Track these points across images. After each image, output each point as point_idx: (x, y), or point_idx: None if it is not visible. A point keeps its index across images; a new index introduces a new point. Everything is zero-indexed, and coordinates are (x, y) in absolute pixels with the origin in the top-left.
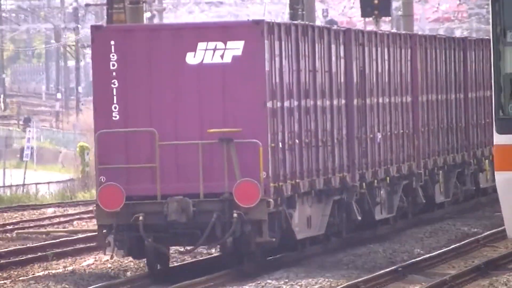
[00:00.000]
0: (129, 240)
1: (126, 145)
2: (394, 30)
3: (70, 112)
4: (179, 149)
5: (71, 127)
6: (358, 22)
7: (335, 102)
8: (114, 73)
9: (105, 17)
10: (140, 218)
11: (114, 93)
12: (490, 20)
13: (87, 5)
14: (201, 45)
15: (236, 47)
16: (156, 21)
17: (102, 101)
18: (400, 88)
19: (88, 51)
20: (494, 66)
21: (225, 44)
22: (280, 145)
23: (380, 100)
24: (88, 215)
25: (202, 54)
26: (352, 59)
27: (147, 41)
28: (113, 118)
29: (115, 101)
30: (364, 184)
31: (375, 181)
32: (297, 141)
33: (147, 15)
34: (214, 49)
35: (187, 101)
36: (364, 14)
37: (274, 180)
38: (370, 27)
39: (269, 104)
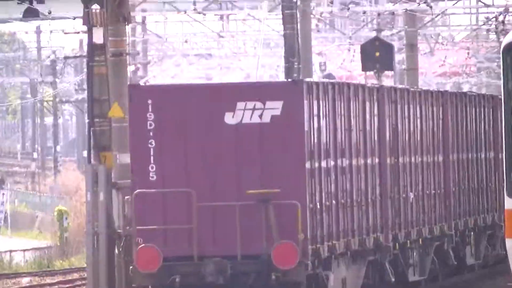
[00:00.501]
0: None
1: (163, 206)
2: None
3: (47, 173)
4: (216, 210)
5: (48, 190)
6: (359, 76)
7: (369, 161)
8: (151, 133)
9: (85, 70)
10: (177, 280)
11: (151, 153)
12: (502, 75)
13: (66, 57)
14: (240, 105)
15: (275, 107)
16: (140, 73)
17: (139, 161)
18: (432, 147)
19: (67, 107)
20: (505, 124)
21: (264, 104)
22: (318, 206)
23: (413, 159)
24: (67, 285)
25: (241, 114)
26: (385, 116)
27: (185, 100)
28: (150, 179)
29: (152, 161)
30: (397, 244)
31: (408, 241)
32: (334, 201)
33: (130, 68)
34: (253, 109)
35: (225, 161)
36: (365, 68)
37: (312, 242)
38: (371, 82)
39: (307, 165)
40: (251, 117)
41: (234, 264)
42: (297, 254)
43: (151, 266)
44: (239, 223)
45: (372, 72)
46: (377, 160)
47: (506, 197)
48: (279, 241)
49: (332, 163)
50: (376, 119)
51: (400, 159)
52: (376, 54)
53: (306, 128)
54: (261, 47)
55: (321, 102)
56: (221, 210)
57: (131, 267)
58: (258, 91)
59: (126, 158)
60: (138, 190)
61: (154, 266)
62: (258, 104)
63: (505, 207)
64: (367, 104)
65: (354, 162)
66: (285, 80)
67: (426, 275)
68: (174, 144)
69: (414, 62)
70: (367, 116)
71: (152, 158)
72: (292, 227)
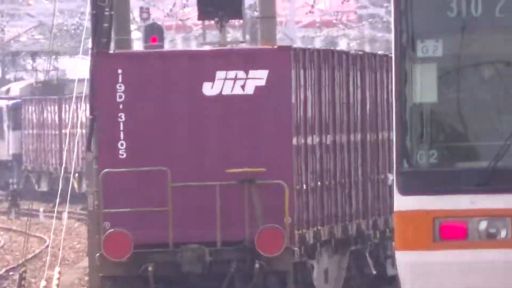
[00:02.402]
0: None
1: (134, 187)
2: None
3: None
4: (194, 191)
5: None
6: (195, 26)
7: (351, 137)
8: (121, 106)
9: None
10: (150, 268)
11: (121, 127)
12: (393, 26)
13: None
14: (220, 74)
15: (259, 77)
16: None
17: (107, 137)
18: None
19: None
20: (397, 93)
21: (247, 73)
22: (304, 187)
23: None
24: None
25: (221, 84)
26: (366, 87)
27: (159, 69)
28: (120, 156)
29: (122, 137)
30: (377, 232)
31: (387, 230)
32: (319, 182)
33: None
34: (235, 79)
35: (204, 137)
36: (203, 15)
37: (298, 227)
38: (212, 34)
39: (294, 141)
40: (232, 88)
41: (214, 251)
42: (284, 240)
43: (121, 253)
44: (220, 205)
45: (212, 22)
46: (359, 136)
47: (396, 193)
48: (264, 225)
49: (317, 139)
50: (359, 91)
51: (380, 135)
52: None
53: (293, 101)
54: None
55: (307, 71)
56: (199, 191)
57: (97, 254)
58: (241, 59)
59: None
60: (106, 170)
61: (123, 253)
62: (240, 74)
63: (395, 208)
64: (351, 73)
65: (337, 138)
66: (271, 47)
67: None
68: (146, 118)
69: (270, 7)
70: (350, 88)
71: (122, 133)
72: (278, 210)
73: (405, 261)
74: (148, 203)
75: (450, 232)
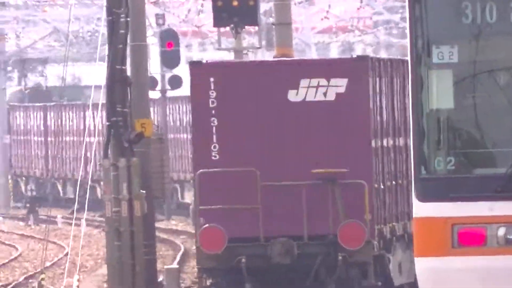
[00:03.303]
0: (228, 284)
1: (226, 186)
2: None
3: None
4: (281, 189)
5: None
6: (210, 33)
7: (402, 141)
8: (213, 111)
9: None
10: (243, 260)
11: (214, 131)
12: (408, 31)
13: None
14: (304, 82)
15: (339, 85)
16: None
17: (201, 140)
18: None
19: None
20: (413, 99)
21: (328, 81)
22: (382, 186)
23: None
24: None
25: (304, 91)
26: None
27: (248, 78)
28: (213, 158)
29: (214, 140)
30: None
31: None
32: (393, 182)
33: None
34: (317, 86)
35: (290, 140)
36: (218, 22)
37: (377, 222)
38: (228, 40)
39: (372, 143)
40: (315, 94)
41: (301, 245)
42: (365, 234)
43: (216, 247)
44: (305, 203)
45: (227, 29)
46: (403, 141)
47: (414, 200)
48: (346, 221)
49: (391, 142)
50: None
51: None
52: (233, 3)
53: (371, 106)
54: None
55: (382, 79)
56: (286, 190)
57: (194, 247)
58: (322, 68)
59: None
60: (201, 170)
61: (219, 247)
62: (323, 81)
63: (414, 214)
64: (405, 80)
65: (401, 142)
66: (350, 56)
67: None
68: (237, 123)
69: (286, 14)
70: (403, 94)
71: (214, 136)
72: (359, 207)
73: (424, 267)
74: (239, 201)
75: (469, 239)
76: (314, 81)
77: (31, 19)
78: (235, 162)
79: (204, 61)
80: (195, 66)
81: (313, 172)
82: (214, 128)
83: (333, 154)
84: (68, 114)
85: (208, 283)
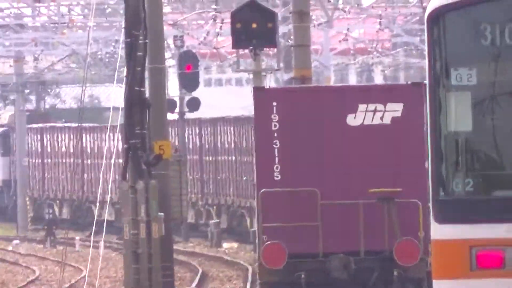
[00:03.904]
0: None
1: (288, 204)
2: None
3: None
4: (340, 208)
5: None
6: (230, 55)
7: None
8: (275, 134)
9: None
10: (302, 275)
11: (276, 153)
12: (426, 54)
13: None
14: (362, 107)
15: (395, 109)
16: None
17: (264, 161)
18: None
19: None
20: (432, 121)
21: (385, 106)
22: None
23: None
24: None
25: (362, 116)
26: None
27: (308, 102)
28: (275, 178)
29: (276, 161)
30: None
31: None
32: None
33: None
34: (374, 111)
35: (347, 161)
36: (238, 43)
37: (430, 240)
38: (247, 62)
39: (425, 165)
40: (372, 118)
41: (358, 260)
42: (419, 251)
43: (278, 262)
44: (363, 220)
45: (246, 51)
46: None
47: (432, 222)
48: (401, 238)
49: None
50: None
51: None
52: (252, 25)
53: (425, 129)
54: (93, 15)
55: None
56: (344, 208)
57: (256, 264)
58: (380, 94)
59: None
60: (264, 190)
61: (280, 262)
62: (379, 106)
63: (432, 237)
64: None
65: None
66: (405, 83)
67: None
68: (297, 145)
69: (305, 36)
70: None
71: (276, 158)
72: (413, 225)
73: None
74: (300, 219)
75: (487, 261)
76: (372, 106)
77: (49, 41)
78: (296, 182)
79: (266, 87)
80: (258, 91)
81: (370, 192)
82: (276, 150)
83: (389, 175)
84: (88, 135)
85: None
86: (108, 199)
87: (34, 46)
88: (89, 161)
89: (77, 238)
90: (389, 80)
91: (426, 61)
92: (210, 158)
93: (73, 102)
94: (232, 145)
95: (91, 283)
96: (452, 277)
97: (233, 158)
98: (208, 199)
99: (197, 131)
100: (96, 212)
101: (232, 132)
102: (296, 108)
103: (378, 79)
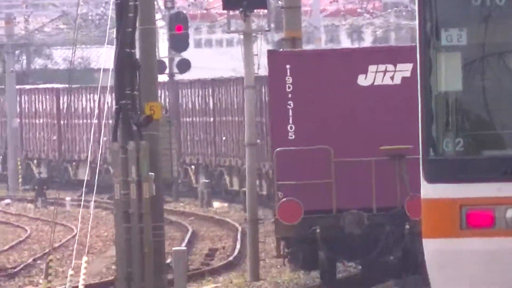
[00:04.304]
0: (303, 252)
1: (302, 163)
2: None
3: None
4: (352, 165)
5: None
6: (220, 17)
7: None
8: (289, 95)
9: None
10: (317, 230)
11: (290, 114)
12: (417, 14)
13: None
14: (372, 68)
15: (405, 69)
16: None
17: (278, 121)
18: None
19: None
20: (422, 81)
21: (395, 66)
22: None
23: None
24: None
25: (373, 76)
26: None
27: (320, 65)
28: (289, 138)
29: (290, 121)
30: None
31: None
32: None
33: None
34: (385, 71)
35: (359, 120)
36: (228, 5)
37: None
38: (237, 23)
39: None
40: (382, 79)
41: (370, 216)
42: None
43: (293, 218)
44: (374, 177)
45: (237, 12)
46: None
47: (422, 181)
48: (412, 193)
49: None
50: None
51: None
52: None
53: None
54: None
55: None
56: (357, 166)
57: (273, 219)
58: (390, 55)
59: None
60: (278, 149)
61: (296, 218)
62: (390, 67)
63: (422, 196)
64: None
65: None
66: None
67: None
68: (310, 105)
69: None
70: None
71: (290, 118)
72: None
73: (432, 248)
74: (314, 176)
75: (477, 220)
76: (382, 67)
77: (39, 3)
78: (309, 141)
79: (280, 50)
80: (272, 54)
81: (381, 149)
82: (290, 110)
83: (400, 133)
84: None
85: (285, 252)
86: (88, 159)
87: (24, 7)
88: (66, 122)
89: (68, 198)
90: (380, 41)
91: (417, 22)
92: (188, 119)
93: (64, 64)
94: (211, 106)
95: (81, 242)
96: (442, 236)
97: (211, 119)
98: (186, 159)
99: (175, 93)
100: (71, 171)
101: (211, 93)
102: (309, 70)
103: (369, 40)
